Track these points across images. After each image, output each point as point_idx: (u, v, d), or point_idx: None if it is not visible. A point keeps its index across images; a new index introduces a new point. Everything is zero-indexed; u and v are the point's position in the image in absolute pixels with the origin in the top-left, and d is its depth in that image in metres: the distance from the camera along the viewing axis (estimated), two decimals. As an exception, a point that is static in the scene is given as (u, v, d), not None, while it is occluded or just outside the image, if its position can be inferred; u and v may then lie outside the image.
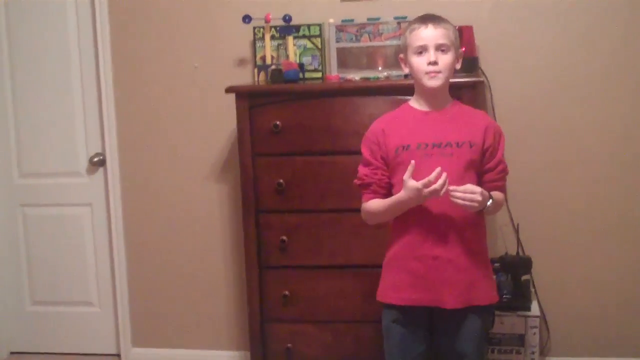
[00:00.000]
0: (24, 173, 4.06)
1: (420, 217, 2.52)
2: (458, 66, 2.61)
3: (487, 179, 2.59)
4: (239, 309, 3.83)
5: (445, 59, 2.52)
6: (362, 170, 2.66)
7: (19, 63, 3.97)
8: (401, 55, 2.65)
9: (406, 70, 2.65)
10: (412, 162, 2.41)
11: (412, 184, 2.41)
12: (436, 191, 2.38)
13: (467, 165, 2.53)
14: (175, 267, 3.93)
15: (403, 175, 2.46)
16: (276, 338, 3.36)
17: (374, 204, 2.62)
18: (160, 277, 3.96)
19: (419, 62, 2.53)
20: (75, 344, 4.15)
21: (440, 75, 2.52)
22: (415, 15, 2.65)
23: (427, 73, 2.52)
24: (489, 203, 2.50)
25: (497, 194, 2.59)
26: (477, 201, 2.42)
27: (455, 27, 2.61)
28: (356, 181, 2.68)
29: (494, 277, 2.78)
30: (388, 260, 2.67)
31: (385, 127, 2.63)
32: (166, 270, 3.95)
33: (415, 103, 2.65)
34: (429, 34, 2.51)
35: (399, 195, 2.49)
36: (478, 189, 2.44)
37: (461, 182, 2.48)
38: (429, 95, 2.59)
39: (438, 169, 2.38)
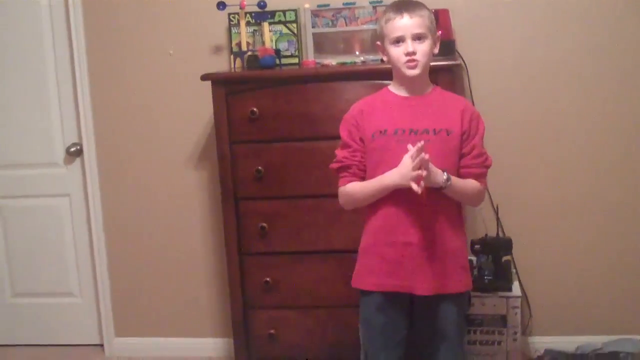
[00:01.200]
0: (0, 165, 4.02)
1: (394, 203, 2.53)
2: (436, 51, 2.61)
3: (462, 164, 2.58)
4: (221, 296, 3.83)
5: (423, 47, 2.51)
6: (340, 153, 2.65)
7: (-10, 53, 3.93)
8: (378, 43, 2.64)
9: (384, 58, 2.64)
10: (420, 143, 2.37)
11: (407, 161, 2.41)
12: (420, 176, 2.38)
13: (444, 153, 2.52)
14: (156, 256, 3.92)
15: (377, 159, 2.50)
16: (259, 325, 3.37)
17: (354, 186, 2.61)
18: (141, 266, 3.95)
19: (397, 52, 2.52)
20: (58, 335, 4.14)
21: (418, 63, 2.51)
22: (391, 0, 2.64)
23: (405, 62, 2.51)
24: (444, 177, 2.46)
25: (468, 181, 2.56)
26: (432, 176, 2.42)
27: (430, 11, 2.59)
28: (334, 164, 2.67)
29: (471, 260, 2.78)
30: (362, 246, 2.68)
31: (364, 109, 2.62)
32: (147, 259, 3.94)
33: (394, 88, 2.64)
34: (405, 24, 2.50)
35: (385, 178, 2.48)
36: (437, 169, 2.44)
37: (439, 169, 2.48)
38: (408, 82, 2.58)
39: (421, 143, 2.37)
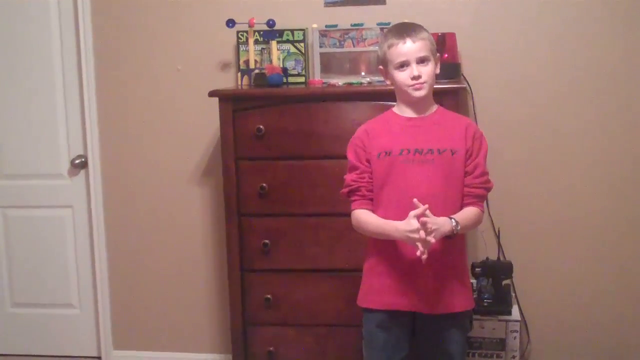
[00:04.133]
0: (5, 175, 4.03)
1: (398, 220, 2.52)
2: (437, 70, 2.63)
3: (465, 183, 2.59)
4: (221, 312, 3.83)
5: (427, 70, 2.54)
6: (349, 177, 2.66)
7: (0, 64, 3.94)
8: (381, 67, 2.67)
9: (387, 82, 2.67)
10: (426, 206, 2.40)
11: (413, 223, 2.42)
12: (424, 242, 2.40)
13: (448, 173, 2.55)
14: (157, 270, 3.92)
15: (382, 179, 2.54)
16: (258, 341, 3.37)
17: (367, 218, 2.60)
18: (141, 280, 3.96)
19: (403, 77, 2.55)
20: (56, 346, 4.13)
21: (424, 85, 2.54)
22: (398, 21, 2.66)
23: (411, 86, 2.54)
24: (453, 224, 2.47)
25: (470, 211, 2.57)
26: (439, 232, 2.43)
27: (429, 33, 2.62)
28: (344, 190, 2.67)
29: (472, 283, 2.79)
30: (367, 265, 2.70)
31: (370, 131, 2.64)
32: (148, 273, 3.94)
33: (398, 110, 2.66)
34: (409, 49, 2.53)
35: (393, 231, 2.49)
36: (442, 220, 2.44)
37: (443, 190, 2.52)
38: (414, 104, 2.61)
39: (425, 206, 2.41)
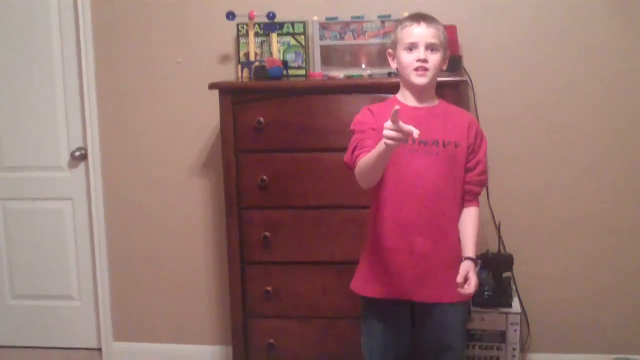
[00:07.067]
0: (5, 167, 4.03)
1: (398, 210, 2.56)
2: (444, 67, 2.63)
3: (466, 179, 2.62)
4: (221, 304, 3.84)
5: (434, 58, 2.54)
6: (353, 138, 2.58)
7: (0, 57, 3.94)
8: (389, 50, 2.66)
9: (393, 65, 2.66)
10: (397, 107, 2.19)
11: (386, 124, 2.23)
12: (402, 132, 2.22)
13: (451, 166, 2.56)
14: (157, 262, 3.93)
15: (387, 168, 2.48)
16: (258, 333, 3.37)
17: (362, 160, 2.50)
18: (141, 271, 3.96)
19: (408, 58, 2.54)
20: (56, 338, 4.14)
21: (427, 73, 2.53)
22: (399, 14, 2.67)
23: (415, 69, 2.53)
24: (474, 261, 2.59)
25: (472, 219, 2.64)
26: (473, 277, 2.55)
27: (444, 27, 2.62)
28: (347, 154, 2.58)
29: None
30: (365, 252, 2.71)
31: (375, 112, 2.62)
32: (148, 265, 3.95)
33: (401, 97, 2.65)
34: (421, 32, 2.53)
35: (379, 144, 2.33)
36: (473, 280, 2.54)
37: (445, 182, 2.54)
38: (415, 91, 2.60)
39: (396, 107, 2.20)
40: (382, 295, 2.63)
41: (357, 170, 2.52)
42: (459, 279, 2.51)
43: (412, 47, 2.54)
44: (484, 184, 2.68)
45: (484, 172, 2.65)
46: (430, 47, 2.53)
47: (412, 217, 2.55)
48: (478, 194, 2.68)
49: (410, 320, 2.69)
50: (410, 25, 2.55)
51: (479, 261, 2.53)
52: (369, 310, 2.70)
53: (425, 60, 2.52)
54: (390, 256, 2.60)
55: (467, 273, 2.53)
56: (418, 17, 2.57)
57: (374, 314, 2.68)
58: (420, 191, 2.54)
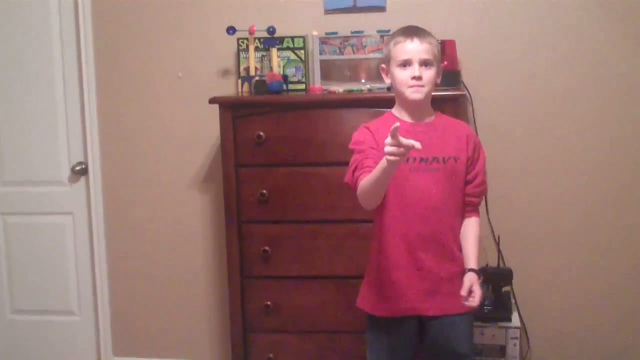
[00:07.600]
0: (5, 181, 4.03)
1: (403, 228, 2.56)
2: (438, 80, 2.63)
3: (465, 191, 2.63)
4: (221, 318, 3.83)
5: (428, 74, 2.53)
6: (353, 158, 2.57)
7: (0, 70, 3.95)
8: (383, 66, 2.66)
9: (387, 80, 2.65)
10: (397, 124, 2.16)
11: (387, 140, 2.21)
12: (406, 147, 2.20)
13: (452, 180, 2.57)
14: (157, 277, 3.93)
15: (388, 187, 2.47)
16: (258, 348, 3.37)
17: (364, 180, 2.47)
18: (141, 287, 3.96)
19: (403, 75, 2.53)
20: (56, 353, 4.12)
21: (422, 89, 2.53)
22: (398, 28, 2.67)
23: (410, 87, 2.53)
24: (477, 273, 2.59)
25: (473, 231, 2.66)
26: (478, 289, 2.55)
27: (438, 40, 2.63)
28: (347, 174, 2.57)
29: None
30: (370, 269, 2.70)
31: (374, 130, 2.60)
32: (147, 280, 3.94)
33: (397, 112, 2.65)
34: (414, 48, 2.52)
35: (381, 161, 2.31)
36: (477, 292, 2.54)
37: (447, 197, 2.55)
38: (411, 107, 2.60)
39: (397, 124, 2.19)
40: (393, 313, 2.63)
41: (359, 191, 2.51)
42: (463, 292, 2.52)
43: (405, 63, 2.53)
44: (483, 193, 2.71)
45: (483, 182, 2.67)
46: (424, 63, 2.52)
47: (417, 233, 2.56)
48: (478, 204, 2.69)
49: (418, 334, 2.68)
50: (403, 42, 2.54)
51: (481, 276, 2.53)
52: (376, 326, 2.70)
53: (419, 78, 2.51)
54: (397, 273, 2.60)
55: (471, 286, 2.54)
56: (411, 32, 2.55)
57: (382, 330, 2.68)
58: (423, 208, 2.54)
